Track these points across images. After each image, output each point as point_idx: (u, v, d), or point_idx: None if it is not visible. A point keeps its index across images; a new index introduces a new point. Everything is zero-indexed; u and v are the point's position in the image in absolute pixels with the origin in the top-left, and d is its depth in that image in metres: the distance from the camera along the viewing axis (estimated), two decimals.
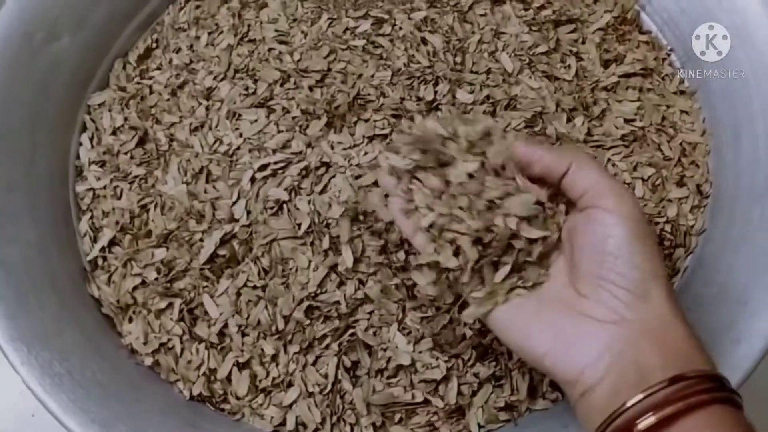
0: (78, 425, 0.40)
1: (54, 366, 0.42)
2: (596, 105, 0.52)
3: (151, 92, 0.54)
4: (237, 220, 0.47)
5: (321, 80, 0.51)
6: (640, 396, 0.31)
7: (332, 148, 0.48)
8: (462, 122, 0.38)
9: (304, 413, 0.44)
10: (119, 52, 0.56)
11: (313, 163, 0.47)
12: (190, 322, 0.46)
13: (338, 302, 0.45)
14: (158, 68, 0.56)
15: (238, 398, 0.45)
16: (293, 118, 0.50)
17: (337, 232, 0.45)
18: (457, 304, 0.44)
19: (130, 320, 0.47)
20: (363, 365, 0.44)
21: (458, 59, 0.52)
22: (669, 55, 0.55)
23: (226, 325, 0.46)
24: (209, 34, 0.56)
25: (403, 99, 0.50)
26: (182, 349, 0.46)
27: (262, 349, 0.45)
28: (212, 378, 0.45)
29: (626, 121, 0.51)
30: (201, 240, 0.47)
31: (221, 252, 0.47)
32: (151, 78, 0.55)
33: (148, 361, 0.46)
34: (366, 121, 0.49)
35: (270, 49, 0.53)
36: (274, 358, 0.45)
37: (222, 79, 0.53)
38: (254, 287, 0.46)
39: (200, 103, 0.52)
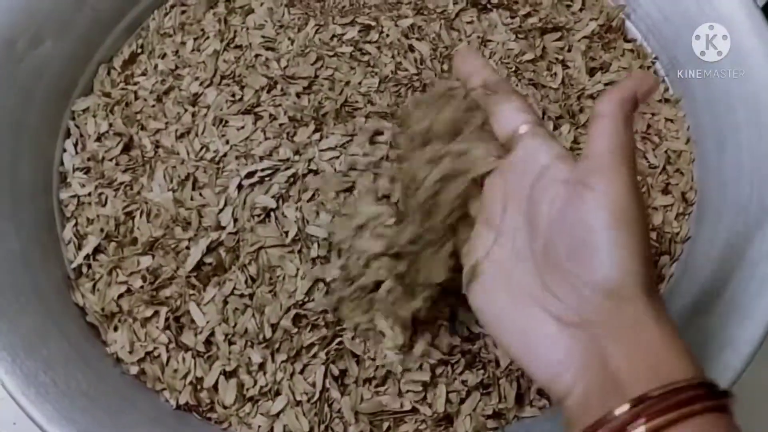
0: None
1: (39, 375, 0.41)
2: (582, 113, 0.52)
3: (136, 98, 0.54)
4: (224, 228, 0.47)
5: (308, 87, 0.51)
6: (615, 412, 0.28)
7: (320, 155, 0.48)
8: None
9: (291, 422, 0.43)
10: (104, 57, 0.56)
11: (301, 170, 0.47)
12: (176, 331, 0.46)
13: (326, 311, 0.44)
14: (143, 74, 0.55)
15: (225, 407, 0.44)
16: (281, 125, 0.49)
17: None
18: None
19: (116, 329, 0.47)
20: (351, 374, 0.44)
21: (445, 66, 0.52)
22: (654, 63, 0.56)
23: (212, 334, 0.45)
24: (195, 39, 0.55)
25: (390, 106, 0.50)
26: (168, 358, 0.45)
27: (250, 358, 0.44)
28: (199, 387, 0.45)
29: None
30: (187, 248, 0.47)
31: (208, 260, 0.46)
32: (136, 84, 0.55)
33: (134, 370, 0.45)
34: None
35: (257, 56, 0.53)
36: (262, 366, 0.44)
37: (208, 86, 0.52)
38: (241, 295, 0.46)
39: (186, 110, 0.52)
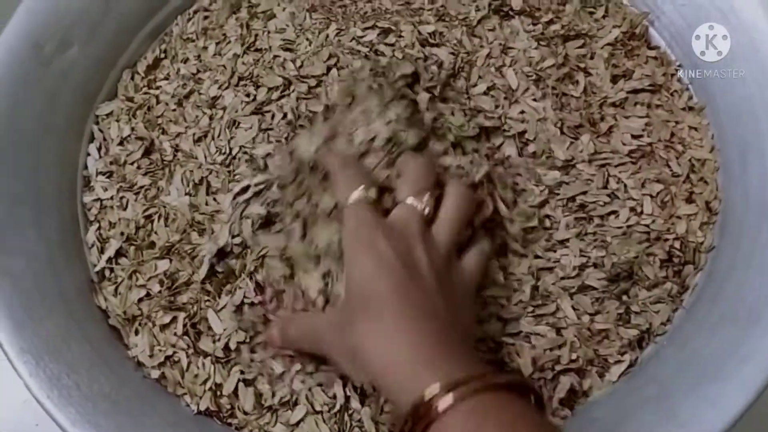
0: None
1: (62, 378, 0.41)
2: (603, 121, 0.51)
3: (158, 102, 0.54)
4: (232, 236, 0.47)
5: (318, 85, 0.51)
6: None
7: None
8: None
9: (312, 430, 0.43)
10: (128, 62, 0.56)
11: None
12: (194, 337, 0.46)
13: None
14: (166, 78, 0.56)
15: (245, 413, 0.44)
16: (286, 124, 0.50)
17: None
18: None
19: (137, 332, 0.47)
20: None
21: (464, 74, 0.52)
22: (677, 70, 0.55)
23: (229, 340, 0.45)
24: (217, 44, 0.56)
25: None
26: (188, 363, 0.45)
27: (272, 368, 0.44)
28: (219, 393, 0.45)
29: (634, 137, 0.51)
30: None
31: (219, 268, 0.47)
32: (158, 88, 0.55)
33: (155, 374, 0.46)
34: None
35: (275, 56, 0.53)
36: (282, 376, 0.44)
37: (226, 88, 0.53)
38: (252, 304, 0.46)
39: (204, 113, 0.52)
